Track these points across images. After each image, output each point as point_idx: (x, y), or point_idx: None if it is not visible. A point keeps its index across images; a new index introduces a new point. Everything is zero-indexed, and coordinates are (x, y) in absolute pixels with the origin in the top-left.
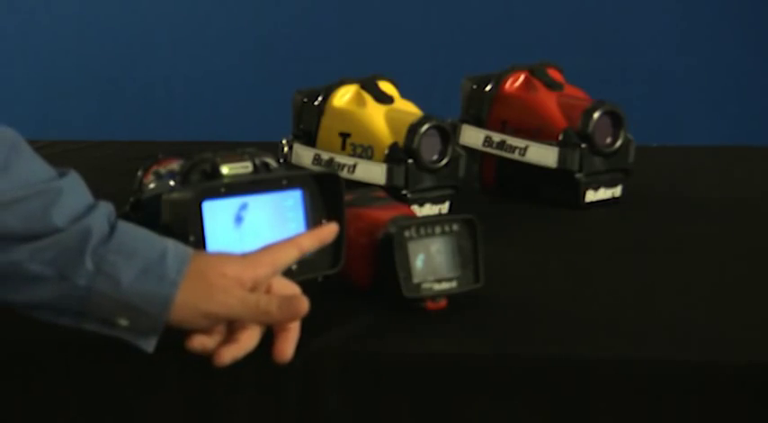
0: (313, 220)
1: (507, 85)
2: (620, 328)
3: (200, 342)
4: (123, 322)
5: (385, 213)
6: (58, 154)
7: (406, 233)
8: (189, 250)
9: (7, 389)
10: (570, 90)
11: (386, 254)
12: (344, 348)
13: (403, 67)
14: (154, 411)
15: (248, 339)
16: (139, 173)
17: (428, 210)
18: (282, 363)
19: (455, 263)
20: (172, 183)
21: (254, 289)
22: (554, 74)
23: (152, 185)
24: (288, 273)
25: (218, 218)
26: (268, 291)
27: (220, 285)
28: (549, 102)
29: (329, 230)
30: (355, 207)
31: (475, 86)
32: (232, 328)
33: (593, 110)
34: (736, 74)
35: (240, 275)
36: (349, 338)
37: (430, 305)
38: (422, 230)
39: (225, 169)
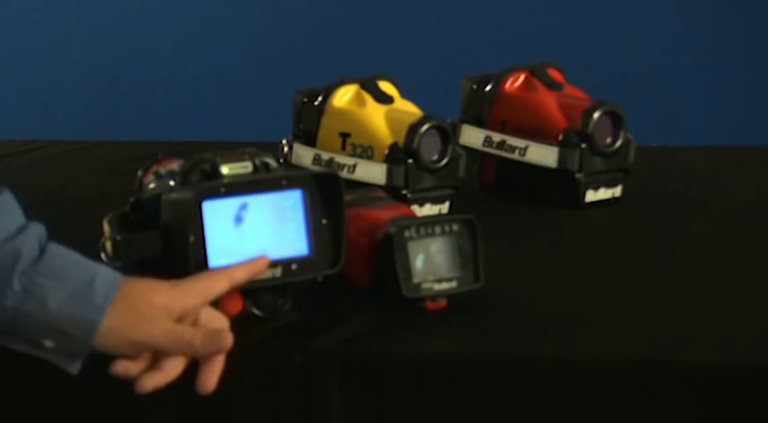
0: (313, 220)
1: (507, 85)
2: (620, 328)
3: (123, 367)
4: (49, 344)
5: (385, 213)
6: (58, 154)
7: (406, 233)
8: (118, 276)
9: (9, 391)
10: (570, 90)
11: (386, 254)
12: (344, 348)
13: (403, 67)
14: (154, 411)
15: (173, 367)
16: (139, 173)
17: (428, 210)
18: (205, 394)
19: (455, 263)
20: (172, 183)
21: (181, 319)
22: (554, 74)
23: (152, 185)
24: (288, 273)
25: (218, 218)
26: (196, 321)
27: (147, 314)
28: (549, 102)
29: (261, 263)
30: (355, 207)
31: (475, 86)
32: (157, 354)
33: (593, 110)
34: (737, 74)
35: (168, 305)
36: (349, 338)
37: (430, 305)
38: (422, 230)
39: (225, 169)
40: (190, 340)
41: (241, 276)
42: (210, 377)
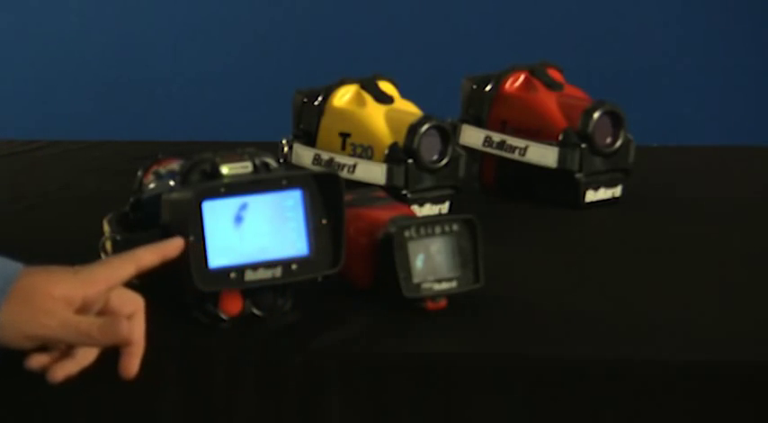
0: (313, 220)
1: (507, 85)
2: (620, 328)
3: (37, 361)
4: None
5: (385, 213)
6: (59, 154)
7: (406, 233)
8: (18, 268)
9: (8, 389)
10: (570, 90)
11: (386, 254)
12: (344, 348)
13: (403, 67)
14: (154, 411)
15: (85, 355)
16: (139, 173)
17: (428, 210)
18: (127, 379)
19: (455, 263)
20: (172, 183)
21: (85, 307)
22: (554, 74)
23: (152, 185)
24: (288, 273)
25: (218, 218)
26: (105, 307)
27: (44, 307)
28: (549, 102)
29: (174, 246)
30: (355, 207)
31: (475, 86)
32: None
33: (593, 110)
34: (737, 74)
35: (69, 295)
36: (349, 338)
37: (430, 305)
38: (422, 230)
39: (225, 169)
40: (86, 330)
41: (149, 260)
42: (130, 361)
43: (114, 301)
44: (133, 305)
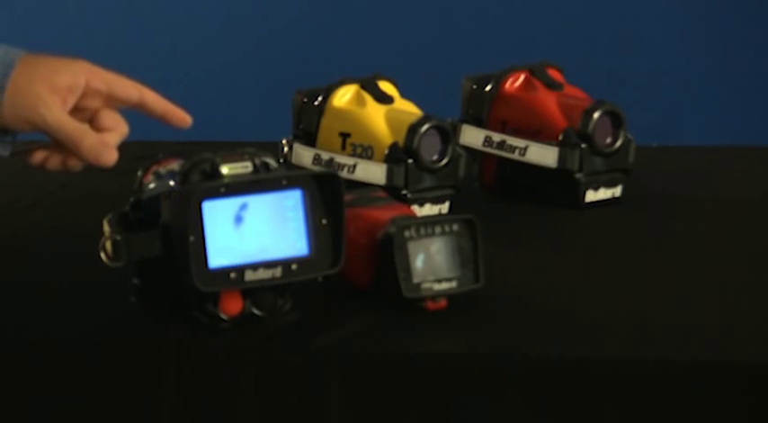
0: (313, 220)
1: (507, 85)
2: (620, 328)
3: (37, 158)
4: None
5: (385, 213)
6: None
7: (406, 233)
8: (18, 54)
9: (7, 389)
10: (570, 90)
11: (386, 254)
12: (344, 348)
13: (403, 67)
14: (154, 411)
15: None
16: (139, 173)
17: (428, 210)
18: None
19: (455, 263)
20: (172, 183)
21: (84, 101)
22: (554, 74)
23: (152, 185)
24: (288, 273)
25: (218, 218)
26: (97, 121)
27: (43, 98)
28: (549, 102)
29: (179, 116)
30: (355, 207)
31: (475, 86)
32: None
33: (593, 110)
34: (737, 74)
35: (71, 83)
36: (349, 338)
37: (430, 305)
38: (422, 230)
39: (225, 169)
40: (76, 139)
41: (152, 102)
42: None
43: (105, 120)
44: (115, 126)
